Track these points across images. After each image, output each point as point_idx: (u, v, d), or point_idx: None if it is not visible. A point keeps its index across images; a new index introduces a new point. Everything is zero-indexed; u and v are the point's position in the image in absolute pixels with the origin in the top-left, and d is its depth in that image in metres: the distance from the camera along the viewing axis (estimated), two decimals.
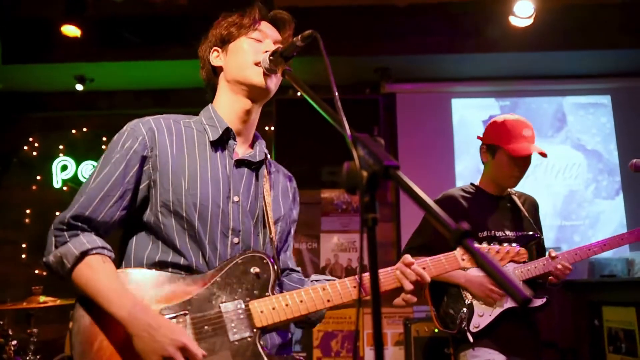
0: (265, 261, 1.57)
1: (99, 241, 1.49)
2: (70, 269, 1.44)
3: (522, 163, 2.70)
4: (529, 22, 4.63)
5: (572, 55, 5.31)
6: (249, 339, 1.48)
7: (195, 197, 1.55)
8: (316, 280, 1.76)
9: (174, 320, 1.45)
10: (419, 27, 5.18)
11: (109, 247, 1.52)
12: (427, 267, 1.70)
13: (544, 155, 2.68)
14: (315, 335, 5.29)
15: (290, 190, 1.87)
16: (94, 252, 1.46)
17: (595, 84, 5.79)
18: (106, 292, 1.41)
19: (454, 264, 1.76)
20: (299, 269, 1.92)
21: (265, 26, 1.72)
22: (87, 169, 5.86)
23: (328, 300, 1.56)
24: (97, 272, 1.44)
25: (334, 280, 1.65)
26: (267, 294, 1.54)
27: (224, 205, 1.59)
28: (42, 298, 3.66)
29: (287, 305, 1.53)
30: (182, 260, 1.54)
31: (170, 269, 1.54)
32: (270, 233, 1.68)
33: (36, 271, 5.60)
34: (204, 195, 1.56)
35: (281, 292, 1.62)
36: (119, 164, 1.53)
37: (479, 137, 2.87)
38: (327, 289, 1.57)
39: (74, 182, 5.82)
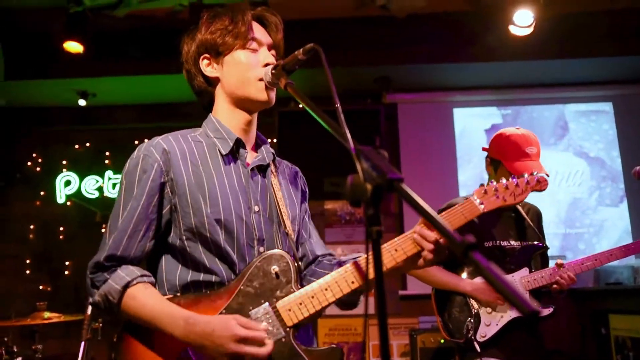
0: (283, 257, 1.55)
1: (137, 271, 1.53)
2: (117, 303, 1.48)
3: None
4: (529, 31, 4.63)
5: (573, 63, 5.32)
6: (284, 340, 1.48)
7: (219, 213, 1.54)
8: (344, 262, 1.71)
9: None
10: (419, 37, 5.19)
11: (147, 273, 1.56)
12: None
13: (546, 175, 2.62)
14: (320, 347, 5.25)
15: (299, 182, 1.87)
16: (135, 282, 1.50)
17: (596, 91, 5.80)
18: (158, 317, 1.45)
19: (473, 211, 1.68)
20: (330, 252, 1.88)
21: (257, 30, 1.69)
22: (90, 184, 5.86)
23: (352, 282, 1.53)
24: (143, 301, 1.48)
25: (359, 256, 1.61)
26: (291, 290, 1.52)
27: (247, 217, 1.59)
28: (47, 314, 3.65)
29: (313, 297, 1.51)
30: (214, 278, 1.54)
31: (203, 289, 1.54)
32: (286, 228, 1.66)
33: (40, 287, 5.60)
34: (227, 209, 1.55)
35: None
36: (140, 197, 1.54)
37: (483, 149, 2.84)
38: (350, 271, 1.54)
39: (78, 197, 5.82)
